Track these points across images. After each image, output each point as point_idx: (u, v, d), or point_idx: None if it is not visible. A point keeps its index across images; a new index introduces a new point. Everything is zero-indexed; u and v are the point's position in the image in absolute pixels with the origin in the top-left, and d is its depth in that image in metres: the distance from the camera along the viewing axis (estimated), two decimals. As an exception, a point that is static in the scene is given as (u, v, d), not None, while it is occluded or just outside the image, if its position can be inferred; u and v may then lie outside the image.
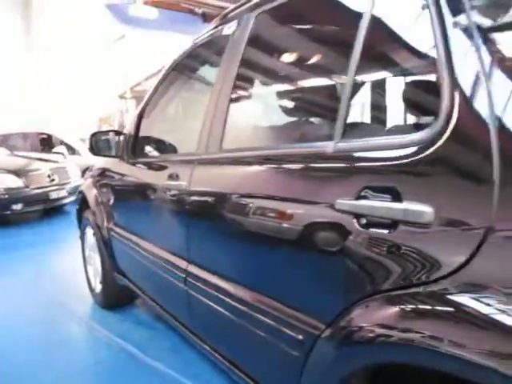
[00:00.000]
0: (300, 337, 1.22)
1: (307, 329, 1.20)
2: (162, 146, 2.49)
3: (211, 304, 1.65)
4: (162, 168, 2.14)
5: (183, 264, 1.86)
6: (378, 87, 1.41)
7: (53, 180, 6.54)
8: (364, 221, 1.03)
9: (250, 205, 1.44)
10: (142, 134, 2.55)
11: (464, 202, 0.86)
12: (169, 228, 2.02)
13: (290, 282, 1.29)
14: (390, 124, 1.30)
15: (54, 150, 9.30)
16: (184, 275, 1.84)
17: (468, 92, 0.88)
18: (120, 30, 15.77)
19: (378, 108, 1.46)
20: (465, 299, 0.82)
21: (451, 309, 0.85)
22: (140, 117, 2.56)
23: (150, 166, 2.36)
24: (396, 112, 1.25)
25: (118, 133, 2.66)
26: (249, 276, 1.50)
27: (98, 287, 3.14)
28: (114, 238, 2.77)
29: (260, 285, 1.43)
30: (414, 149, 0.96)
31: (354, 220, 1.05)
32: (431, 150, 0.92)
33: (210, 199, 1.69)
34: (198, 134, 1.84)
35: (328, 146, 1.18)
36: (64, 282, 3.82)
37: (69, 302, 3.34)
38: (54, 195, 6.45)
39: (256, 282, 1.45)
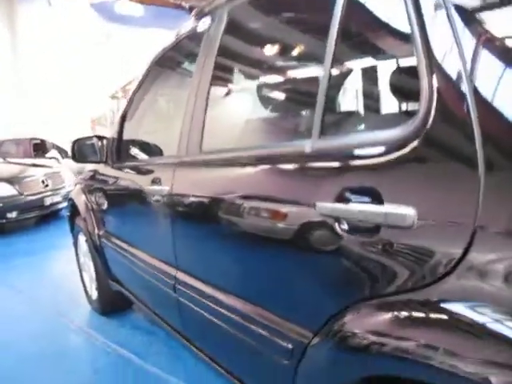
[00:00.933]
0: (289, 346, 1.17)
1: (296, 337, 1.15)
2: (146, 149, 2.43)
3: (201, 311, 1.60)
4: (145, 172, 2.09)
5: (172, 271, 1.81)
6: (357, 82, 1.35)
7: (47, 186, 6.48)
8: (345, 225, 0.97)
9: (230, 209, 1.39)
10: (125, 136, 2.50)
11: (449, 201, 0.80)
12: (156, 234, 1.97)
13: (277, 289, 1.24)
14: (369, 119, 1.23)
15: (47, 155, 9.24)
16: (173, 282, 1.79)
17: (448, 84, 0.82)
18: (107, 29, 15.62)
19: (358, 103, 1.39)
20: (456, 306, 0.77)
21: (441, 316, 0.80)
22: (123, 119, 2.51)
23: (135, 170, 2.30)
24: (376, 106, 1.19)
25: (100, 137, 2.60)
26: (235, 283, 1.45)
27: (95, 294, 3.10)
28: (105, 244, 2.73)
29: (247, 292, 1.38)
30: (393, 145, 0.90)
31: (336, 224, 0.99)
32: (411, 146, 0.86)
33: (191, 204, 1.64)
34: (178, 136, 1.78)
35: (306, 145, 1.13)
36: (61, 290, 3.77)
37: (66, 309, 3.29)
38: (48, 201, 6.40)
39: (243, 289, 1.41)
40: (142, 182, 2.05)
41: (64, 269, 4.25)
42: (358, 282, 0.97)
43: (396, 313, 0.88)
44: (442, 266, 0.80)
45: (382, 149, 0.93)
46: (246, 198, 1.34)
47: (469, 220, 0.75)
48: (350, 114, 1.38)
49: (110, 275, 2.79)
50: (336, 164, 1.06)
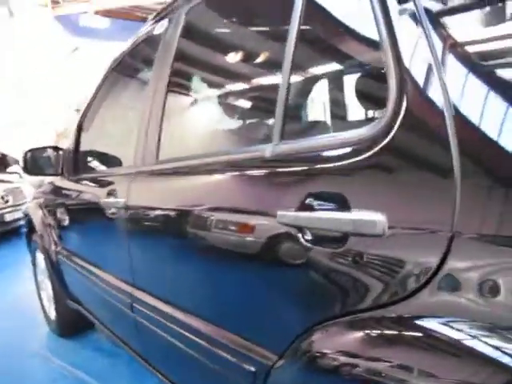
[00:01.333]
0: (252, 368, 1.07)
1: (259, 359, 1.05)
2: (104, 160, 2.31)
3: (159, 332, 1.49)
4: (102, 184, 1.97)
5: (129, 289, 1.69)
6: (320, 81, 1.27)
7: (7, 201, 6.24)
8: (309, 235, 0.88)
9: (186, 221, 1.29)
10: (82, 147, 2.37)
11: (423, 207, 0.73)
12: (112, 250, 1.85)
13: (237, 308, 1.14)
14: (334, 120, 1.16)
15: (8, 170, 8.91)
16: (130, 301, 1.67)
17: (418, 78, 0.75)
18: (73, 42, 15.36)
19: (321, 104, 1.32)
20: (432, 323, 0.69)
21: (416, 334, 0.72)
22: (79, 129, 2.38)
23: (91, 183, 2.18)
24: (340, 106, 1.11)
25: (56, 148, 2.46)
26: (193, 301, 1.35)
27: (53, 314, 2.93)
28: (62, 261, 2.58)
29: (205, 310, 1.28)
30: (360, 147, 0.82)
31: (300, 235, 0.90)
32: (380, 146, 0.78)
33: (147, 216, 1.54)
34: (135, 145, 1.68)
35: (266, 150, 1.04)
36: (18, 311, 3.56)
37: (22, 331, 3.10)
38: (9, 217, 6.16)
39: (201, 308, 1.30)
40: (99, 195, 1.93)
41: (23, 288, 4.04)
42: (326, 299, 0.89)
43: (368, 331, 0.79)
44: (416, 278, 0.71)
45: (347, 151, 0.85)
46: (202, 208, 1.24)
47: (445, 227, 0.67)
48: (313, 116, 1.30)
49: (69, 294, 2.64)
50: (298, 168, 0.97)
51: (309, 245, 0.88)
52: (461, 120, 0.68)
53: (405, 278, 0.74)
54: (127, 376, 2.37)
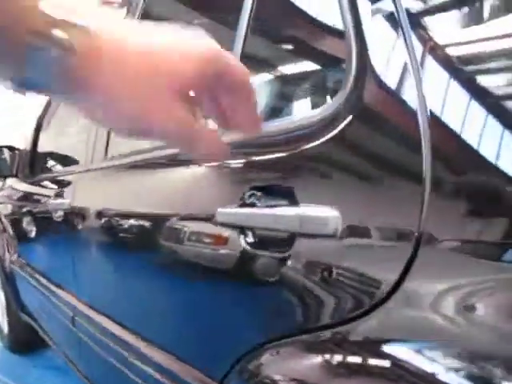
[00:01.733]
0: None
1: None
2: (60, 160, 2.14)
3: (99, 350, 1.31)
4: (53, 185, 1.81)
5: (72, 300, 1.52)
6: (267, 65, 1.12)
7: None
8: (251, 237, 0.73)
9: (126, 226, 1.13)
10: (39, 147, 2.20)
11: (384, 202, 0.58)
12: (57, 258, 1.68)
13: (172, 324, 0.98)
14: (283, 105, 1.00)
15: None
16: (72, 314, 1.50)
17: (380, 62, 0.61)
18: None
19: (268, 88, 1.14)
20: (395, 346, 0.54)
21: (378, 363, 0.56)
22: (38, 128, 2.21)
23: (44, 185, 2.01)
24: (290, 90, 0.96)
25: (11, 148, 2.29)
26: (132, 317, 1.18)
27: (6, 327, 2.72)
28: (16, 271, 2.39)
29: (144, 329, 1.11)
30: (309, 132, 0.68)
31: (241, 236, 0.75)
32: (333, 133, 0.64)
33: (90, 219, 1.37)
34: (86, 143, 1.53)
35: None
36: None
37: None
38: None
39: (140, 326, 1.13)
40: (48, 197, 1.76)
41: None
42: (269, 315, 0.73)
43: (314, 355, 0.64)
44: (377, 289, 0.57)
45: (295, 137, 0.70)
46: (141, 210, 1.09)
47: (411, 227, 0.52)
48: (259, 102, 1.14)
49: (21, 306, 2.44)
50: (240, 160, 0.82)
51: (251, 248, 0.73)
52: (430, 110, 0.53)
53: (363, 289, 0.58)
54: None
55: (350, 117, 0.62)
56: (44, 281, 1.90)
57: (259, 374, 0.72)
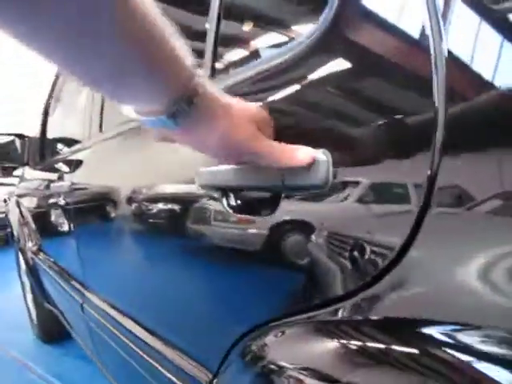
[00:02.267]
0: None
1: (197, 376, 0.78)
2: (67, 143, 2.06)
3: (106, 337, 1.23)
4: (58, 169, 1.73)
5: (81, 288, 1.44)
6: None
7: (10, 204, 6.09)
8: (233, 199, 0.61)
9: (122, 205, 1.03)
10: (48, 132, 2.13)
11: (387, 144, 0.45)
12: (65, 244, 1.60)
13: (175, 314, 0.87)
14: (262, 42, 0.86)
15: (14, 174, 8.84)
16: (81, 301, 1.42)
17: None
18: (13, 45, 15.32)
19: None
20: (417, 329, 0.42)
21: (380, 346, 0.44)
22: (45, 113, 2.14)
23: (52, 169, 1.93)
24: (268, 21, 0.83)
25: (22, 136, 2.23)
26: (133, 305, 1.08)
27: (35, 318, 2.71)
28: (37, 261, 2.34)
29: (145, 317, 1.01)
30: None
31: (224, 200, 0.63)
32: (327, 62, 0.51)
33: (90, 198, 1.28)
34: (83, 121, 1.44)
35: None
36: (4, 315, 3.35)
37: (6, 336, 2.88)
38: (12, 220, 5.99)
39: (142, 313, 1.03)
40: (53, 182, 1.69)
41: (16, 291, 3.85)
42: (264, 292, 0.61)
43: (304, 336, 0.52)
44: (376, 258, 0.44)
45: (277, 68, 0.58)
46: (137, 181, 0.98)
47: (420, 178, 0.39)
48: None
49: (46, 296, 2.40)
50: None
51: (233, 213, 0.61)
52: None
53: (361, 258, 0.46)
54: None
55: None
56: (59, 270, 1.84)
57: (263, 357, 0.60)
